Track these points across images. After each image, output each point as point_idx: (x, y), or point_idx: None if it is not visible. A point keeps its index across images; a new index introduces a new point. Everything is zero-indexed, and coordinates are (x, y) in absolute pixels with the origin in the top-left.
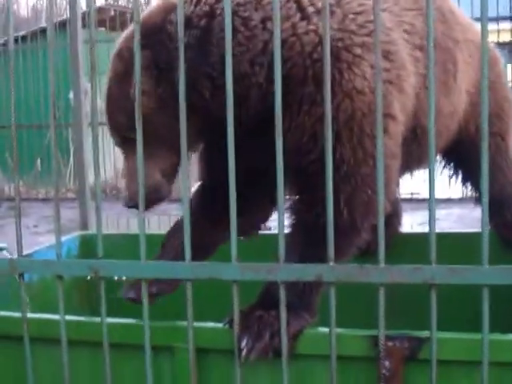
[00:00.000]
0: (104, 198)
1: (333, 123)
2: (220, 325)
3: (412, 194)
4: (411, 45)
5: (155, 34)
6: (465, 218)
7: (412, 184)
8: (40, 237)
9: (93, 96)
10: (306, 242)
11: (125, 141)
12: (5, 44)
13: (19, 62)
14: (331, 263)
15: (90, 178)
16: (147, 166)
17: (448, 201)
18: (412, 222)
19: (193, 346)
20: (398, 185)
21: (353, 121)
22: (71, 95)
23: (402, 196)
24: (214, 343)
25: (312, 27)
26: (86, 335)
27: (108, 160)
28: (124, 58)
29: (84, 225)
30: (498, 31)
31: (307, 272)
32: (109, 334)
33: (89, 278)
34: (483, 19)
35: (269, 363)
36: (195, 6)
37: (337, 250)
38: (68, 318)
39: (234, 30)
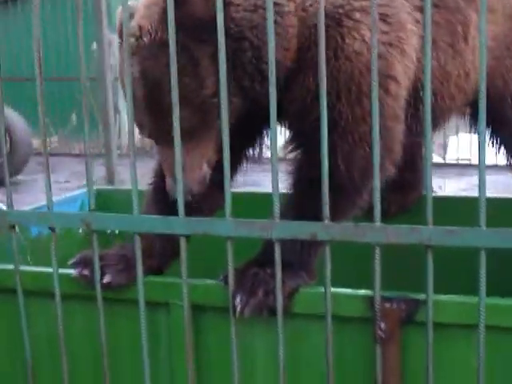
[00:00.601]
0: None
1: (333, 83)
2: (215, 281)
3: (458, 159)
4: (411, 5)
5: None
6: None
7: (459, 149)
8: (70, 192)
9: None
10: (304, 201)
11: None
12: None
13: (46, 10)
14: (326, 221)
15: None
16: (198, 161)
17: (495, 167)
18: (457, 188)
19: (188, 302)
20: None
21: (352, 81)
22: (94, 46)
23: (448, 161)
24: (209, 300)
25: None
26: (80, 289)
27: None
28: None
29: (110, 180)
30: None
31: (302, 230)
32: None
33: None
34: None
35: (264, 321)
36: None
37: (335, 210)
38: (62, 271)
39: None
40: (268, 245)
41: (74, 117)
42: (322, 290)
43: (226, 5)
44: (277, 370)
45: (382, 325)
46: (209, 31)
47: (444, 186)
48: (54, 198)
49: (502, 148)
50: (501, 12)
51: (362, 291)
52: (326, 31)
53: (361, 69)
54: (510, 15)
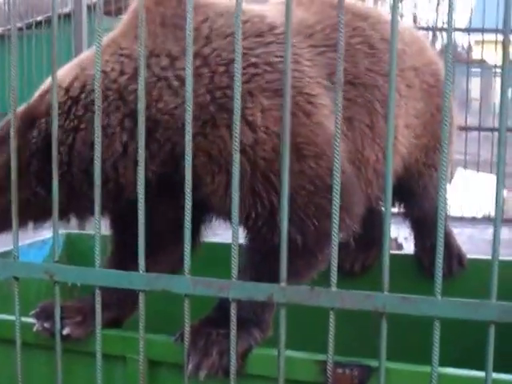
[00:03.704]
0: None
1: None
2: (172, 338)
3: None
4: (317, 74)
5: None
6: (475, 238)
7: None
8: (42, 230)
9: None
10: (260, 263)
11: None
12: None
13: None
14: (282, 284)
15: None
16: None
17: (461, 219)
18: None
19: (144, 357)
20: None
21: (259, 171)
22: None
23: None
24: (165, 356)
25: (179, 100)
26: (41, 338)
27: None
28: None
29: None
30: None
31: (258, 291)
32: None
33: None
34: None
35: (218, 381)
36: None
37: (292, 273)
38: (24, 319)
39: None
40: (223, 302)
41: None
42: (276, 352)
43: None
44: None
45: None
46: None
47: (410, 237)
48: (24, 241)
49: (405, 212)
50: (418, 87)
51: (316, 355)
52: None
53: (263, 156)
54: (426, 91)
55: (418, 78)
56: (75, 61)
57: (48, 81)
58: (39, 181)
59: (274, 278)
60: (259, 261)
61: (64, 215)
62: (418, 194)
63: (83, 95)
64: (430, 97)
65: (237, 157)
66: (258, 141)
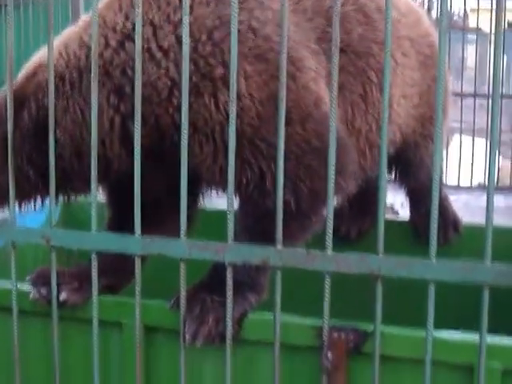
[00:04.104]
0: None
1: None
2: (168, 303)
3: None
4: (302, 37)
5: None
6: (470, 205)
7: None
8: None
9: None
10: (254, 227)
11: None
12: None
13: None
14: (278, 247)
15: None
16: None
17: (457, 188)
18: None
19: (140, 323)
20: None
21: (245, 138)
22: None
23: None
24: (161, 322)
25: (162, 71)
26: (38, 306)
27: None
28: None
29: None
30: None
31: (254, 254)
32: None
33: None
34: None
35: (214, 345)
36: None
37: (287, 235)
38: (21, 287)
39: (83, 119)
40: (216, 266)
41: None
42: (272, 317)
43: None
44: None
45: (329, 354)
46: None
47: (406, 203)
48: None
49: (401, 181)
50: (414, 58)
51: (311, 320)
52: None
53: (250, 123)
54: (422, 62)
55: (414, 48)
56: (57, 39)
57: (32, 60)
58: (29, 162)
59: (268, 241)
60: (253, 225)
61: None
62: (414, 164)
63: (68, 72)
64: (426, 68)
65: (233, 129)
66: (243, 108)
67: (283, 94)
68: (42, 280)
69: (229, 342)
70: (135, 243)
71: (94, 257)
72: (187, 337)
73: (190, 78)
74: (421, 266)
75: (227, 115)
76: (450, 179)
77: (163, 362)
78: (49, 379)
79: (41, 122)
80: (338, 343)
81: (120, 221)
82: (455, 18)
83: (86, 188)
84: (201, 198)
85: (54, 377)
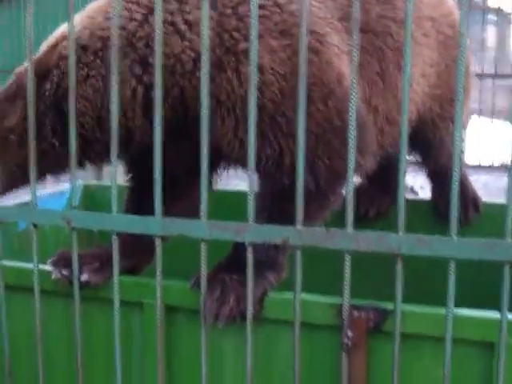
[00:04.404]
0: None
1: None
2: (188, 283)
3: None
4: (326, 14)
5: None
6: (490, 185)
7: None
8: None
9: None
10: (273, 206)
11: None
12: None
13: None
14: (298, 226)
15: None
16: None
17: (477, 167)
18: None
19: (160, 303)
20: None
21: (267, 114)
22: None
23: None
24: (182, 302)
25: (186, 43)
26: (59, 286)
27: None
28: (17, 83)
29: (99, 173)
30: None
31: (274, 234)
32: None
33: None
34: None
35: (235, 325)
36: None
37: (305, 215)
38: (42, 267)
39: (105, 88)
40: (236, 247)
41: None
42: (291, 296)
43: None
44: (245, 374)
45: (350, 333)
46: None
47: (426, 185)
48: (44, 192)
49: (422, 162)
50: (434, 38)
51: (331, 298)
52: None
53: (271, 98)
54: (442, 42)
55: (435, 28)
56: (82, 11)
57: (55, 32)
58: (54, 133)
59: (286, 220)
60: (272, 204)
61: (79, 164)
62: (434, 146)
63: (92, 43)
64: (447, 48)
65: (253, 108)
66: (265, 82)
67: (304, 69)
68: (63, 262)
69: (249, 321)
70: (156, 224)
71: (114, 238)
72: (208, 317)
73: (214, 52)
74: (441, 244)
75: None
76: (470, 159)
77: (184, 341)
78: (71, 358)
79: (64, 93)
80: (358, 322)
81: (140, 197)
82: None
83: (108, 158)
84: (215, 181)
85: (76, 356)
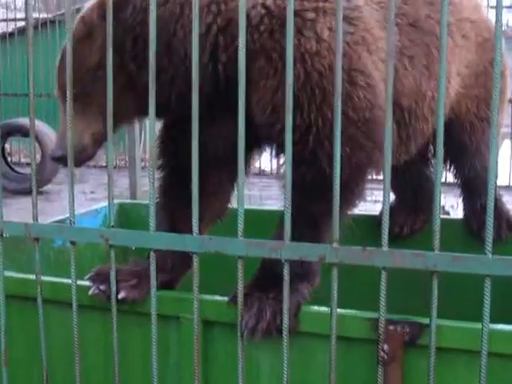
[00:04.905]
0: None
1: (294, 89)
2: (225, 298)
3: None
4: (383, 17)
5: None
6: None
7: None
8: (95, 202)
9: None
10: (303, 204)
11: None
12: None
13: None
14: (335, 244)
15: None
16: (79, 126)
17: (508, 188)
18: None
19: (198, 317)
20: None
21: (309, 84)
22: None
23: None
24: (219, 316)
25: (259, 0)
26: (96, 301)
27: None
28: (86, 21)
29: (133, 192)
30: None
31: (311, 252)
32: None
33: None
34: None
35: (271, 339)
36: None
37: (328, 208)
38: (80, 282)
39: (181, 14)
40: (267, 261)
41: None
42: (328, 310)
43: None
44: None
45: (386, 346)
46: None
47: (457, 205)
48: (79, 211)
49: (453, 169)
50: (473, 40)
51: (368, 313)
52: (270, 36)
53: (320, 70)
54: (481, 44)
55: (474, 30)
56: None
57: None
58: (134, 60)
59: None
60: (301, 206)
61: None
62: (470, 150)
63: None
64: (484, 50)
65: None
66: (319, 53)
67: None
68: (100, 278)
69: (286, 335)
70: (193, 241)
71: (152, 255)
72: (245, 332)
73: (281, 11)
74: (476, 262)
75: (305, 50)
76: (502, 180)
77: (220, 355)
78: (108, 372)
79: (145, 17)
80: (394, 335)
81: (174, 190)
82: (504, 27)
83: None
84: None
85: (113, 370)
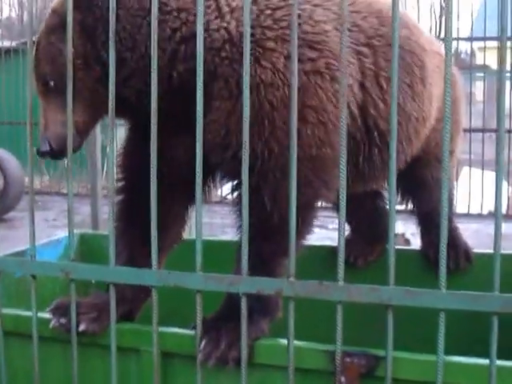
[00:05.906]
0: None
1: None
2: (184, 330)
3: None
4: (354, 40)
5: None
6: (480, 233)
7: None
8: (57, 230)
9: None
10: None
11: (45, 90)
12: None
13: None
14: (291, 279)
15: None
16: (61, 117)
17: (467, 215)
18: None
19: (157, 350)
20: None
21: (260, 114)
22: None
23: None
24: (179, 348)
25: (224, 24)
26: (57, 333)
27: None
28: (59, 13)
29: (95, 223)
30: None
31: (268, 286)
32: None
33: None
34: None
35: (230, 370)
36: None
37: (278, 249)
38: (40, 315)
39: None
40: (230, 296)
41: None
42: (285, 342)
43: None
44: None
45: (343, 378)
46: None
47: (417, 233)
48: (41, 240)
49: (411, 202)
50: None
51: (324, 345)
52: (230, 63)
53: (272, 102)
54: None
55: (441, 62)
56: None
57: None
58: (106, 49)
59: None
60: (252, 242)
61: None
62: (429, 185)
63: None
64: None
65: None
66: (273, 84)
67: (295, 81)
68: (61, 310)
69: (244, 367)
70: (152, 276)
71: (112, 288)
72: (200, 356)
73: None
74: (430, 296)
75: (261, 80)
76: (460, 207)
77: None
78: None
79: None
80: (351, 367)
81: (132, 208)
82: (462, 55)
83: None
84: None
85: None
